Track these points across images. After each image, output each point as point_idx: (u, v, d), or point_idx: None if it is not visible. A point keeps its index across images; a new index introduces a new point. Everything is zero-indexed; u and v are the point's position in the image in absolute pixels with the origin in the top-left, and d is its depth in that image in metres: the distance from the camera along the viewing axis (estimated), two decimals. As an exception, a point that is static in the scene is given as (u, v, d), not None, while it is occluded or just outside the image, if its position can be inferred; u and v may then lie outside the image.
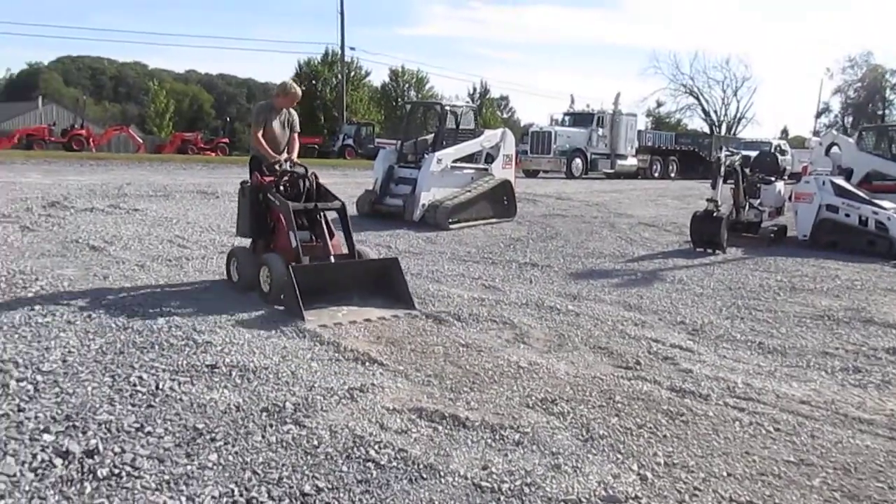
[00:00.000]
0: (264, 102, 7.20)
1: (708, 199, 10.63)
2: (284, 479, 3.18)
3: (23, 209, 10.21)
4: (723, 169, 10.75)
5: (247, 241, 7.16)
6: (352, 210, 12.57)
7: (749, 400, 4.53)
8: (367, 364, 4.80)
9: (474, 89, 66.41)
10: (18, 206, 10.37)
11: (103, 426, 3.56)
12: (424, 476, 3.29)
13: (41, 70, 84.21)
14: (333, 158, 36.22)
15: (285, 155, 6.95)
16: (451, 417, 3.96)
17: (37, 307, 5.57)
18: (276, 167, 6.74)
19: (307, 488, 3.12)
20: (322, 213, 6.75)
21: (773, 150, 24.84)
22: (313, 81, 55.63)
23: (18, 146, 29.95)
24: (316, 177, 6.91)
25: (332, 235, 6.70)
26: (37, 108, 48.68)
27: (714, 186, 10.75)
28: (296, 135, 7.21)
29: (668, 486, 3.34)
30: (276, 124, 6.96)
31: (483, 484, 3.24)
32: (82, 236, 8.71)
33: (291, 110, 7.19)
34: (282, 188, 6.69)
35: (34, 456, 3.20)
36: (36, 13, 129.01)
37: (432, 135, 13.31)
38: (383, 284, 6.52)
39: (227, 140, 38.59)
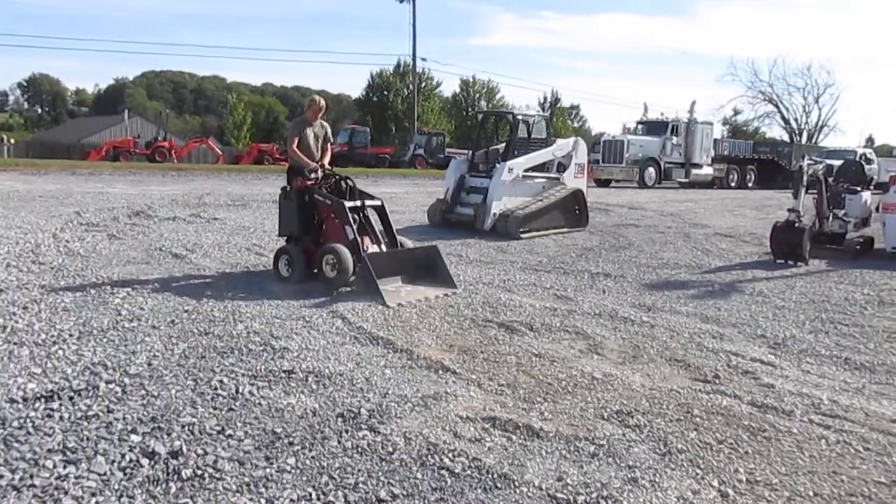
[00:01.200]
0: (299, 118, 7.99)
1: (789, 210, 10.26)
2: (360, 485, 3.22)
3: (110, 218, 10.65)
4: (805, 178, 10.37)
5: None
6: (423, 219, 12.71)
7: (836, 417, 4.36)
8: (440, 372, 4.82)
9: (545, 98, 66.13)
10: (106, 216, 10.83)
11: (186, 428, 3.67)
12: (499, 486, 3.28)
13: (126, 85, 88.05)
14: (404, 168, 36.58)
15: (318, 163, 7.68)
16: (524, 427, 3.93)
17: (123, 312, 5.80)
18: (313, 173, 7.51)
19: (382, 494, 3.14)
20: (365, 210, 7.60)
21: (858, 159, 23.90)
22: (385, 92, 56.51)
23: (106, 158, 31.25)
24: (352, 180, 7.73)
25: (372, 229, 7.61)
26: (123, 122, 50.77)
27: (796, 196, 10.38)
28: (329, 144, 7.92)
29: (750, 505, 3.23)
30: (310, 136, 7.65)
31: (558, 496, 3.21)
32: (165, 244, 9.02)
33: (324, 122, 7.88)
34: (325, 190, 7.50)
35: (123, 455, 3.33)
36: (122, 31, 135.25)
37: (503, 144, 13.30)
38: (428, 268, 7.49)
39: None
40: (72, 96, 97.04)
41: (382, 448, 3.60)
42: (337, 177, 7.69)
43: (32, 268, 7.24)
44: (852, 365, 5.52)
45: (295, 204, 7.47)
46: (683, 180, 28.72)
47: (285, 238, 7.81)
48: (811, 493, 3.37)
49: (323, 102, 7.84)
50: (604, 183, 27.56)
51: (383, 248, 7.49)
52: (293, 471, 3.32)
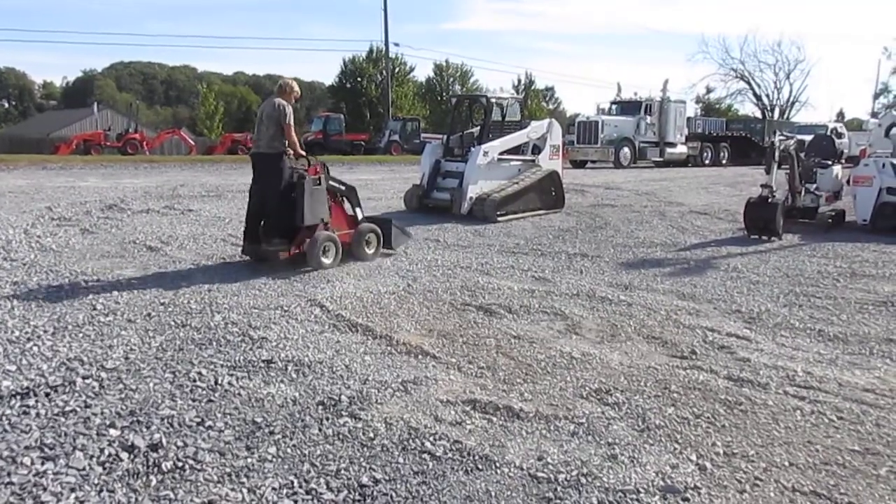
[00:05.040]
0: (290, 104, 7.68)
1: (762, 185, 10.39)
2: (342, 471, 3.22)
3: (82, 212, 10.51)
4: (777, 154, 10.47)
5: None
6: (400, 205, 12.69)
7: (810, 388, 4.43)
8: (420, 357, 4.83)
9: (519, 81, 65.99)
10: (78, 210, 10.68)
11: (166, 421, 3.66)
12: (480, 467, 3.30)
13: (95, 77, 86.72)
14: (380, 154, 36.38)
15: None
16: (504, 409, 3.96)
17: (99, 307, 5.74)
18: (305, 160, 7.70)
19: (364, 480, 3.15)
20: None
21: (829, 134, 24.16)
22: (358, 78, 56.02)
23: (76, 151, 30.70)
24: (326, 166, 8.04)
25: None
26: (92, 114, 49.82)
27: (768, 172, 10.49)
28: None
29: (727, 476, 3.29)
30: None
31: (539, 474, 3.24)
32: (139, 237, 8.93)
33: None
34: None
35: (102, 450, 3.31)
36: (90, 22, 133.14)
37: (478, 128, 13.27)
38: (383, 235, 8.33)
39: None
40: (39, 90, 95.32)
41: (363, 434, 3.61)
42: (325, 164, 7.90)
43: (4, 264, 7.14)
44: (825, 336, 5.61)
45: (321, 190, 7.54)
46: (658, 159, 28.89)
47: (257, 232, 7.56)
48: (787, 464, 3.43)
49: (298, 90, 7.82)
50: (579, 164, 27.65)
51: None
52: (274, 460, 3.32)
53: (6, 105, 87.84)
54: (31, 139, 41.96)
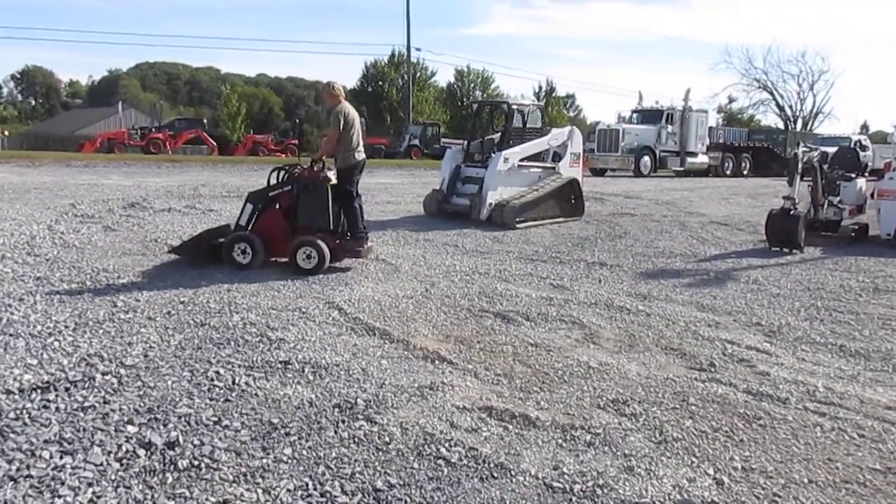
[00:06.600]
0: None
1: (784, 197, 10.28)
2: (357, 475, 3.22)
3: (105, 210, 10.61)
4: (800, 165, 10.37)
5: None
6: (419, 210, 12.70)
7: (830, 405, 4.38)
8: (437, 362, 4.82)
9: (540, 88, 65.87)
10: (101, 208, 10.78)
11: (183, 419, 3.68)
12: (495, 475, 3.29)
13: (121, 76, 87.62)
14: (400, 159, 36.46)
15: None
16: (521, 417, 3.94)
17: (119, 304, 5.79)
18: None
19: (379, 484, 3.15)
20: None
21: (853, 146, 23.90)
22: (380, 82, 56.30)
23: (100, 150, 31.06)
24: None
25: None
26: (117, 113, 50.45)
27: (791, 184, 10.38)
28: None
29: (745, 492, 3.25)
30: None
31: (555, 484, 3.22)
32: (161, 236, 9.00)
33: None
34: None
35: (119, 446, 3.33)
36: (116, 23, 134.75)
37: (499, 134, 13.26)
38: None
39: (296, 141, 39.21)
40: (65, 88, 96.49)
41: (379, 438, 3.60)
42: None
43: (28, 259, 7.22)
44: (847, 352, 5.54)
45: None
46: (679, 169, 28.71)
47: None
48: (806, 481, 3.39)
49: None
50: (599, 172, 27.53)
51: None
52: (290, 461, 3.33)
53: (33, 103, 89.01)
54: (56, 137, 42.53)
